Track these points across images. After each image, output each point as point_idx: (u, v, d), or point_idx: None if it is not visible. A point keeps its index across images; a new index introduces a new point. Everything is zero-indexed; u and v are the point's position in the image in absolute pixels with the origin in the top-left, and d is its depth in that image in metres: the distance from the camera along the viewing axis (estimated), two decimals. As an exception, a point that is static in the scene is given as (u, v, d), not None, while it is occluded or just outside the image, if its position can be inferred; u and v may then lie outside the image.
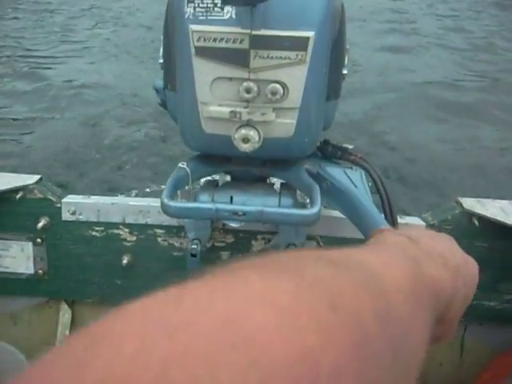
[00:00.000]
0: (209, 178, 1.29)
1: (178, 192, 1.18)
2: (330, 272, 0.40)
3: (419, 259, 0.56)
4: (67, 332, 1.45)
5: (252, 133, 1.04)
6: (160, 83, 1.18)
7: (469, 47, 10.22)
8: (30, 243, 1.37)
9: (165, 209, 1.06)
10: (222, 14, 0.96)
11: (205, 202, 1.14)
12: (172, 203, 1.06)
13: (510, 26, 12.14)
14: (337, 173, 1.20)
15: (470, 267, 0.70)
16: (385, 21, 11.86)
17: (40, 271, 1.40)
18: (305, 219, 1.06)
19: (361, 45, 9.49)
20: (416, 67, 8.53)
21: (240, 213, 1.05)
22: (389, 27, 11.43)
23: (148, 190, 4.60)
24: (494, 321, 1.40)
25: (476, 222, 1.32)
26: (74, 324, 1.47)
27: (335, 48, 1.05)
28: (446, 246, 0.69)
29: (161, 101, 1.21)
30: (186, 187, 1.21)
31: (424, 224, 1.32)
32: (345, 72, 1.13)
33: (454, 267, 0.63)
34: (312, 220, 1.05)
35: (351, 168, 1.22)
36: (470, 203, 1.34)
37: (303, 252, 0.48)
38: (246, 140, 1.04)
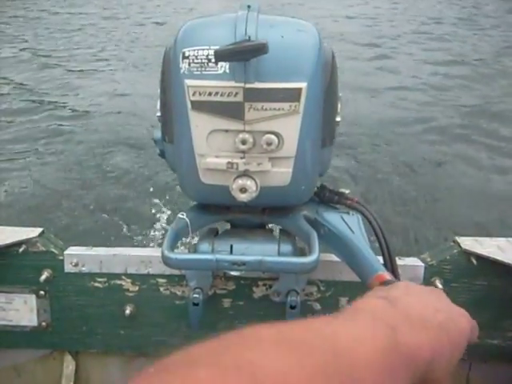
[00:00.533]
0: (208, 226, 1.30)
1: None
2: (273, 359, 0.42)
3: (396, 326, 0.56)
4: (71, 383, 1.45)
5: (249, 182, 1.06)
6: (158, 134, 1.21)
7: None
8: (34, 296, 1.38)
9: (166, 260, 1.08)
10: (216, 68, 1.00)
11: (205, 253, 1.15)
12: (173, 255, 1.08)
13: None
14: (334, 218, 1.22)
15: (457, 321, 0.68)
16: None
17: (43, 323, 1.40)
18: (303, 267, 1.08)
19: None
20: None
21: (239, 263, 1.06)
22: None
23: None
24: (498, 358, 1.40)
25: (474, 261, 1.33)
26: (77, 375, 1.47)
27: (328, 96, 1.09)
28: (429, 303, 0.69)
29: (160, 151, 1.24)
30: (187, 238, 1.23)
31: (423, 265, 1.33)
32: (338, 119, 1.15)
33: (436, 326, 0.63)
34: (310, 268, 1.07)
35: (348, 213, 1.24)
36: (468, 242, 1.36)
37: (264, 332, 0.52)
38: (243, 190, 1.07)
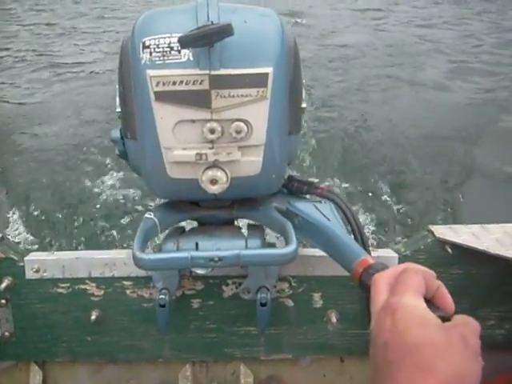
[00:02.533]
0: (175, 225, 1.26)
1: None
2: None
3: None
4: None
5: (219, 173, 1.03)
6: (117, 134, 1.16)
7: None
8: None
9: (138, 262, 1.03)
10: (179, 56, 0.96)
11: (179, 251, 1.10)
12: (145, 256, 1.02)
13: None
14: (307, 207, 1.18)
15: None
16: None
17: (6, 333, 1.33)
18: (284, 257, 1.04)
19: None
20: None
21: (216, 258, 1.02)
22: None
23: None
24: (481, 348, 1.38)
25: (449, 250, 1.31)
26: None
27: (293, 83, 1.06)
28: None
29: (119, 152, 1.18)
30: (156, 237, 1.19)
31: (397, 255, 1.31)
32: (304, 106, 1.13)
33: None
34: (290, 258, 1.03)
35: (320, 201, 1.21)
36: (442, 231, 1.34)
37: None
38: (213, 181, 1.03)
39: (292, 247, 1.04)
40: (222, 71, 0.95)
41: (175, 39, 0.94)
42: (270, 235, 1.47)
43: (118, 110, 1.11)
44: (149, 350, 1.35)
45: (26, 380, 1.40)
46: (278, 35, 1.00)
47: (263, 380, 1.41)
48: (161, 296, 1.19)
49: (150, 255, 1.04)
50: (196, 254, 1.02)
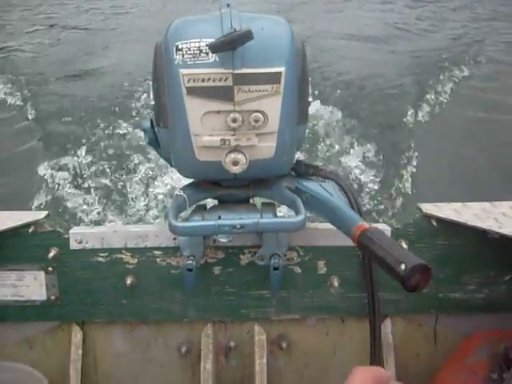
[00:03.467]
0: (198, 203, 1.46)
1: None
2: None
3: None
4: (80, 351, 1.59)
5: (240, 156, 1.23)
6: (147, 124, 1.38)
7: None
8: (43, 272, 1.52)
9: (173, 229, 1.24)
10: (207, 58, 1.17)
11: (208, 220, 1.31)
12: (179, 224, 1.24)
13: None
14: (313, 186, 1.39)
15: None
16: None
17: (52, 297, 1.53)
18: (294, 225, 1.25)
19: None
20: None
21: (238, 226, 1.23)
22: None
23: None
24: (460, 310, 1.58)
25: (435, 224, 1.51)
26: (85, 344, 1.61)
27: (301, 80, 1.27)
28: None
29: (149, 139, 1.40)
30: (184, 212, 1.39)
31: (390, 229, 1.51)
32: (310, 100, 1.33)
33: None
34: (300, 225, 1.25)
35: (324, 181, 1.42)
36: (428, 207, 1.54)
37: None
38: (235, 163, 1.24)
39: (301, 217, 1.25)
40: (243, 70, 1.16)
41: (204, 43, 1.15)
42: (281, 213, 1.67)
43: (152, 102, 1.32)
44: (175, 312, 1.55)
45: (68, 339, 1.60)
46: (289, 40, 1.21)
47: (274, 338, 1.61)
48: (188, 262, 1.39)
49: (183, 223, 1.25)
50: (222, 222, 1.24)
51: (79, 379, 1.58)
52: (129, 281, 1.52)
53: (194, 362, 1.61)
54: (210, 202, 1.51)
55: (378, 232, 1.14)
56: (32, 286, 1.53)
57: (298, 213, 1.27)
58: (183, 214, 1.38)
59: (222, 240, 1.46)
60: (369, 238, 1.13)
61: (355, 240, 1.17)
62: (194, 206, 1.44)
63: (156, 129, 1.36)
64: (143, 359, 1.63)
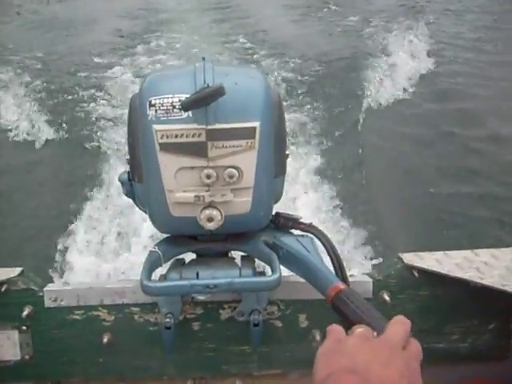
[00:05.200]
0: (176, 257, 1.44)
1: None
2: None
3: None
4: None
5: (215, 212, 1.21)
6: (125, 176, 1.36)
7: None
8: (16, 331, 1.47)
9: (145, 289, 1.22)
10: (180, 114, 1.15)
11: (180, 280, 1.29)
12: (151, 284, 1.23)
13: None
14: (290, 241, 1.37)
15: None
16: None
17: (26, 356, 1.49)
18: (268, 284, 1.25)
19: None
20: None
21: (211, 285, 1.21)
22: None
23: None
24: (445, 360, 1.55)
25: (416, 274, 1.49)
26: None
27: (277, 133, 1.26)
28: (395, 369, 0.82)
29: (126, 191, 1.38)
30: (159, 268, 1.37)
31: (371, 280, 1.49)
32: (287, 152, 1.32)
33: None
34: (274, 285, 1.24)
35: (302, 235, 1.39)
36: (410, 258, 1.52)
37: None
38: (210, 219, 1.22)
39: (276, 275, 1.23)
40: (217, 126, 1.15)
41: (177, 99, 1.15)
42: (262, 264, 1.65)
43: (127, 157, 1.30)
44: (154, 369, 1.51)
45: None
46: (264, 94, 1.20)
47: None
48: (166, 319, 1.36)
49: (156, 283, 1.24)
50: (195, 282, 1.23)
51: None
52: (105, 338, 1.48)
53: None
54: (189, 255, 1.48)
55: (352, 293, 1.14)
56: (5, 345, 1.48)
57: (273, 271, 1.26)
58: (159, 269, 1.36)
59: (199, 297, 1.43)
60: (342, 301, 1.14)
61: (329, 301, 1.16)
62: (173, 260, 1.41)
63: (131, 182, 1.34)
64: None
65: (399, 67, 8.44)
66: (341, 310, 1.13)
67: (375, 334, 0.91)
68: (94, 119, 6.87)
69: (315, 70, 8.43)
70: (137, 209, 1.43)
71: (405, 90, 7.88)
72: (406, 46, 9.26)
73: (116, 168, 5.51)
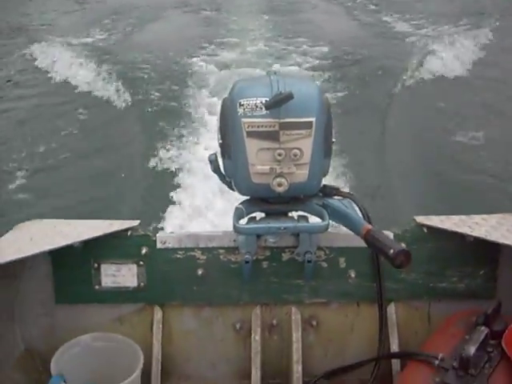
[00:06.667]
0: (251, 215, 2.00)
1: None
2: None
3: None
4: (160, 326, 2.10)
5: (283, 180, 1.77)
6: (212, 157, 1.93)
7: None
8: (135, 265, 2.05)
9: (236, 229, 1.81)
10: (261, 111, 1.71)
11: (262, 223, 1.88)
12: (241, 226, 1.81)
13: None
14: (335, 202, 1.93)
15: None
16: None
17: (141, 284, 2.06)
18: (321, 228, 1.82)
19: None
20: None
21: (282, 228, 1.80)
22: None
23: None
24: (446, 296, 2.07)
25: (425, 230, 2.03)
26: (164, 321, 2.13)
27: (327, 125, 1.82)
28: None
29: (213, 168, 1.94)
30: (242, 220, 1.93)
31: (392, 233, 2.02)
32: (333, 140, 1.88)
33: None
34: (325, 228, 1.81)
35: (343, 199, 1.95)
36: (421, 219, 2.06)
37: None
38: (279, 185, 1.77)
39: (326, 222, 1.80)
40: (286, 120, 1.71)
41: (259, 101, 1.71)
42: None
43: (220, 141, 1.86)
44: (234, 296, 2.08)
45: (151, 317, 2.13)
46: (318, 98, 1.77)
47: (307, 318, 2.12)
48: (246, 256, 1.93)
49: (245, 225, 1.81)
50: (272, 225, 1.81)
51: (160, 348, 2.10)
52: (199, 272, 2.05)
53: (246, 337, 2.13)
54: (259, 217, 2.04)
55: (377, 231, 1.68)
56: (127, 275, 2.06)
57: (323, 219, 1.82)
58: (241, 222, 1.92)
59: (270, 240, 1.98)
60: (371, 236, 1.68)
61: (362, 237, 1.71)
62: (247, 217, 1.97)
63: (221, 160, 1.90)
64: (207, 335, 2.16)
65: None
66: (371, 241, 1.69)
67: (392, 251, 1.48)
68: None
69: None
70: None
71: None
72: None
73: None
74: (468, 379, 1.62)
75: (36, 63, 10.81)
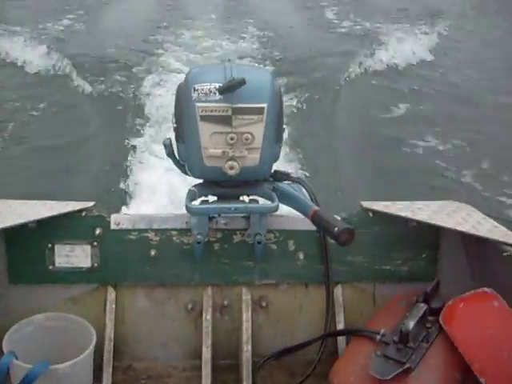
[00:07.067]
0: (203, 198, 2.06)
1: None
2: None
3: None
4: (113, 306, 2.14)
5: (235, 163, 1.84)
6: (167, 141, 1.98)
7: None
8: (89, 246, 2.08)
9: (189, 210, 1.87)
10: (215, 96, 1.78)
11: (213, 204, 1.94)
12: (193, 206, 1.87)
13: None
14: (284, 185, 2.01)
15: None
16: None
17: (95, 264, 2.10)
18: (271, 208, 1.90)
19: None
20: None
21: (233, 208, 1.87)
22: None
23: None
24: (391, 278, 2.17)
25: (371, 215, 2.12)
26: (117, 301, 2.16)
27: (278, 112, 1.89)
28: None
29: (168, 152, 2.00)
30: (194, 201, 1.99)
31: (339, 218, 2.10)
32: (284, 126, 1.95)
33: None
34: (275, 208, 1.89)
35: (292, 183, 2.03)
36: (367, 204, 2.15)
37: None
38: (231, 168, 1.85)
39: (275, 203, 1.88)
40: (239, 105, 1.78)
41: (213, 86, 1.77)
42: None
43: (175, 125, 1.92)
44: (186, 276, 2.14)
45: (104, 298, 2.16)
46: (270, 85, 1.85)
47: (256, 299, 2.19)
48: (198, 236, 1.99)
49: (196, 206, 1.87)
50: (223, 206, 1.87)
51: (112, 328, 2.14)
52: (152, 253, 2.09)
53: (197, 317, 2.18)
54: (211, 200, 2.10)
55: (323, 211, 1.76)
56: (80, 255, 2.09)
57: (273, 201, 1.89)
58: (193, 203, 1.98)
59: (222, 222, 2.05)
60: (317, 216, 1.77)
61: (310, 218, 1.79)
62: (200, 199, 2.03)
63: (176, 144, 1.95)
64: (159, 315, 2.20)
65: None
66: (317, 221, 1.77)
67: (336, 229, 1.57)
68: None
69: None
70: None
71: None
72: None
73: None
74: (407, 352, 1.72)
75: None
